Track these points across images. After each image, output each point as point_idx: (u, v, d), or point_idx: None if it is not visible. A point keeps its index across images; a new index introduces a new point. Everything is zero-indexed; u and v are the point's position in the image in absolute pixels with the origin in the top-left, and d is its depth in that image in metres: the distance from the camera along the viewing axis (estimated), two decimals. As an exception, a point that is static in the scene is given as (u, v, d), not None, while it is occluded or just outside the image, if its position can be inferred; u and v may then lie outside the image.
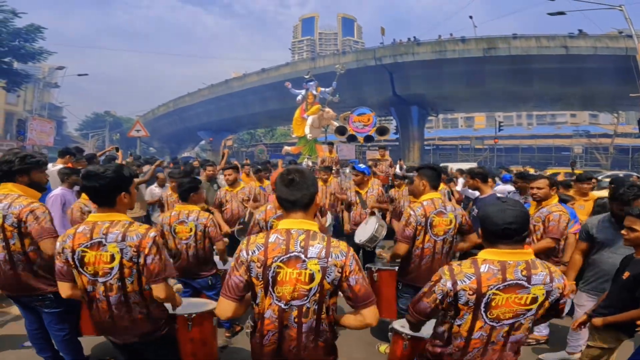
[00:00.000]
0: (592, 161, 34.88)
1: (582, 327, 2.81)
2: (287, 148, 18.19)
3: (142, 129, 12.22)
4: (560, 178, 7.88)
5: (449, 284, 1.65)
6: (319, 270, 1.61)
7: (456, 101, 34.40)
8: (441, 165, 23.51)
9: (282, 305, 1.63)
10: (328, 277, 1.61)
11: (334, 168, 8.66)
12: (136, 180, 5.69)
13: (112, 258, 1.92)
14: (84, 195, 3.81)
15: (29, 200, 2.50)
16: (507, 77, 27.48)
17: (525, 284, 1.61)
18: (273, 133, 59.00)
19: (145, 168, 8.21)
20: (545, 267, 1.67)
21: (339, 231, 5.71)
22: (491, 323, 1.64)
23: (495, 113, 44.86)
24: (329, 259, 1.62)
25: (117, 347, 2.18)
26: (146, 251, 1.91)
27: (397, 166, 10.78)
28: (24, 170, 2.59)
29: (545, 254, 3.38)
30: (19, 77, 24.73)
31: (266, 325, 1.65)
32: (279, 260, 1.62)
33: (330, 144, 11.89)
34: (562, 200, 4.06)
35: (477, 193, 6.06)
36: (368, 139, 15.06)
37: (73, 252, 1.92)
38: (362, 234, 4.40)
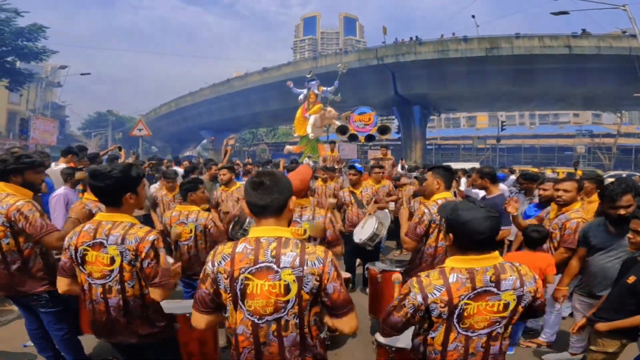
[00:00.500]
0: (595, 161, 34.77)
1: (582, 330, 2.80)
2: (289, 147, 18.19)
3: (145, 128, 12.22)
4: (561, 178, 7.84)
5: (419, 298, 1.56)
6: (294, 281, 1.48)
7: (459, 101, 34.34)
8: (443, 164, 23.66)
9: (256, 320, 1.50)
10: (305, 287, 1.49)
11: (336, 167, 8.64)
12: None
13: (112, 260, 1.91)
14: (86, 194, 3.81)
15: (16, 198, 2.49)
16: (509, 76, 27.42)
17: (495, 289, 1.54)
18: (275, 132, 59.08)
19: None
20: (515, 270, 1.59)
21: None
22: (465, 333, 1.57)
23: (498, 112, 44.72)
24: (305, 268, 1.49)
25: (116, 347, 2.17)
26: (143, 255, 1.90)
27: (399, 166, 10.75)
28: (18, 170, 2.59)
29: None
30: (22, 77, 24.74)
31: (241, 342, 1.53)
32: (247, 271, 1.49)
33: (332, 142, 11.88)
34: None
35: (480, 193, 6.07)
36: (369, 138, 15.04)
37: (76, 249, 1.94)
38: (361, 233, 4.36)
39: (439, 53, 27.67)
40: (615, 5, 16.80)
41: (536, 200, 5.01)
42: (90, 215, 2.55)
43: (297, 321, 1.51)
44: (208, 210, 5.89)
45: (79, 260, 1.95)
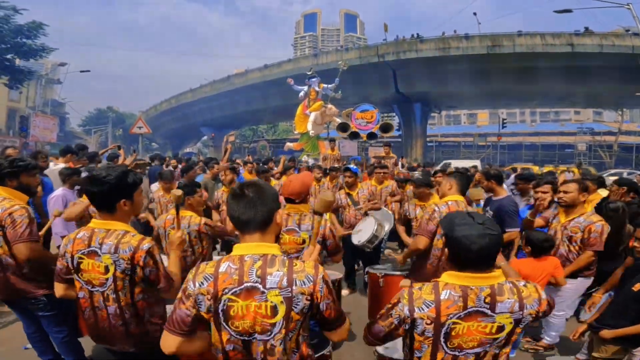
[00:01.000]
0: (595, 159, 34.72)
1: (582, 336, 2.77)
2: (289, 144, 18.14)
3: (144, 126, 12.18)
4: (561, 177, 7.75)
5: (406, 310, 1.47)
6: (282, 302, 1.39)
7: (460, 99, 34.26)
8: (443, 162, 23.44)
9: (246, 338, 1.42)
10: (296, 308, 1.40)
11: (337, 166, 8.55)
12: None
13: (107, 269, 1.88)
14: (84, 196, 3.78)
15: (12, 202, 2.46)
16: (511, 75, 27.33)
17: (489, 311, 1.42)
18: (275, 129, 59.01)
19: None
20: (515, 292, 1.45)
21: None
22: (452, 352, 1.46)
23: (499, 110, 44.65)
24: (293, 287, 1.39)
25: (114, 354, 2.14)
26: (141, 263, 1.87)
27: (400, 164, 10.70)
28: (13, 173, 2.58)
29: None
30: (21, 74, 24.73)
31: (232, 357, 1.45)
32: (231, 292, 1.39)
33: (332, 140, 11.75)
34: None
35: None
36: (371, 136, 14.86)
37: (72, 257, 1.91)
38: (360, 235, 4.29)
39: (440, 51, 27.59)
40: (619, 4, 16.70)
41: (532, 202, 4.95)
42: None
43: (283, 347, 1.43)
44: (208, 210, 5.85)
45: (75, 268, 1.93)
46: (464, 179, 3.13)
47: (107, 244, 1.88)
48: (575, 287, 3.27)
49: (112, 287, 1.89)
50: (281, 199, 3.33)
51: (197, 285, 1.43)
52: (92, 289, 1.92)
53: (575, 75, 25.97)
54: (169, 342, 1.46)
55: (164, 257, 3.49)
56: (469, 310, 1.42)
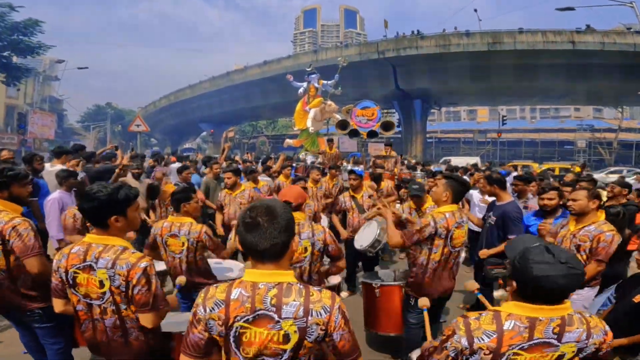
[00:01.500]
0: (595, 156, 34.70)
1: None
2: (288, 141, 17.94)
3: (142, 124, 12.06)
4: (565, 176, 7.65)
5: (464, 341, 1.41)
6: (295, 331, 1.35)
7: (460, 95, 34.20)
8: (443, 159, 23.30)
9: None
10: (309, 337, 1.37)
11: (338, 165, 8.43)
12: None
13: (102, 284, 1.88)
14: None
15: (10, 215, 2.40)
16: (512, 72, 27.29)
17: (555, 342, 1.37)
18: (275, 125, 58.91)
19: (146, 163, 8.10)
20: (584, 322, 1.40)
21: (335, 236, 5.49)
22: None
23: (499, 107, 44.58)
24: (309, 318, 1.35)
25: None
26: (134, 281, 1.85)
27: (400, 163, 10.63)
28: (3, 184, 2.49)
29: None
30: (18, 72, 24.77)
31: None
32: (243, 319, 1.36)
33: (330, 140, 11.53)
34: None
35: (479, 195, 5.90)
36: (371, 134, 14.55)
37: (66, 272, 1.90)
38: (363, 239, 4.26)
39: (440, 47, 27.49)
40: (622, 2, 16.59)
41: (531, 204, 4.81)
42: None
43: None
44: (205, 215, 5.77)
45: (70, 282, 1.92)
46: (461, 189, 3.00)
47: (104, 258, 1.87)
48: (583, 297, 3.20)
49: (111, 300, 1.89)
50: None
51: (207, 310, 1.39)
52: (91, 302, 1.92)
53: (576, 73, 25.92)
54: None
55: (161, 264, 3.47)
56: (535, 341, 1.37)
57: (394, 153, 11.17)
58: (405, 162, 11.53)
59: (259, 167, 8.60)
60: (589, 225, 3.16)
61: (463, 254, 4.67)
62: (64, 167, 5.20)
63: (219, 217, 4.96)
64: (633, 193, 5.64)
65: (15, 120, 29.73)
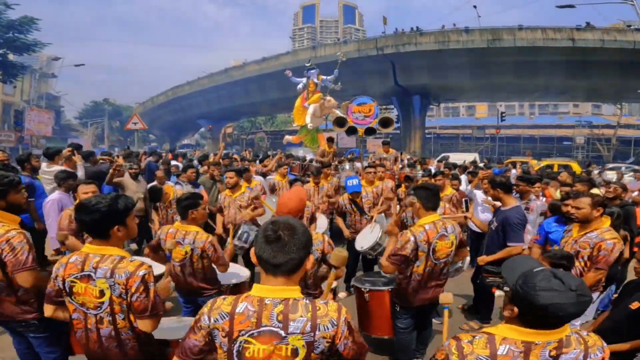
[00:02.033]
0: (594, 152, 34.72)
1: None
2: (288, 137, 17.76)
3: (140, 122, 11.99)
4: (569, 174, 7.52)
5: None
6: (303, 346, 1.36)
7: (459, 91, 34.14)
8: (442, 155, 23.28)
9: None
10: (316, 350, 1.38)
11: (332, 163, 8.31)
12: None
13: (102, 293, 1.90)
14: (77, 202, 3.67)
15: (5, 227, 2.33)
16: (512, 68, 27.21)
17: None
18: (273, 120, 58.82)
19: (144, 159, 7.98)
20: (582, 342, 1.37)
21: (337, 236, 5.47)
22: None
23: (497, 103, 44.53)
24: (316, 333, 1.36)
25: None
26: (133, 289, 1.88)
27: (400, 160, 10.54)
28: (1, 193, 2.43)
29: None
30: (15, 69, 24.78)
31: None
32: (247, 334, 1.36)
33: (331, 139, 11.39)
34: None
35: (482, 195, 5.84)
36: (369, 131, 14.31)
37: (64, 281, 1.92)
38: (364, 241, 4.27)
39: (439, 44, 27.41)
40: (623, -1, 16.52)
41: (532, 205, 4.75)
42: None
43: None
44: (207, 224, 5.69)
45: (67, 291, 1.94)
46: (428, 194, 2.89)
47: (102, 268, 1.89)
48: None
49: (108, 310, 1.91)
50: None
51: (212, 320, 1.41)
52: (87, 311, 1.94)
53: (576, 70, 25.87)
54: None
55: (160, 267, 3.43)
56: None
57: (392, 151, 11.07)
58: (406, 160, 11.42)
59: (257, 165, 8.55)
60: (591, 231, 3.11)
61: (468, 259, 4.62)
62: (63, 168, 5.15)
63: (219, 219, 4.92)
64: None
65: (12, 118, 29.68)
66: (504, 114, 33.41)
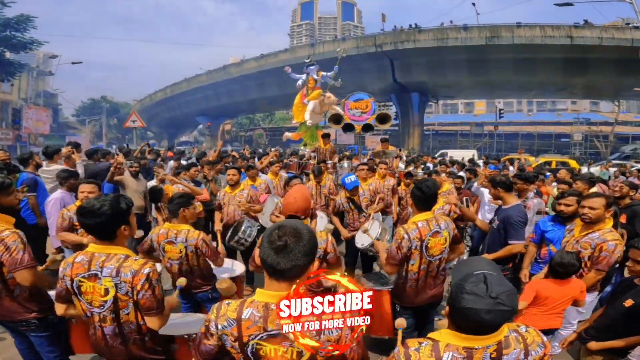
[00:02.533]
0: (592, 149, 34.81)
1: (571, 345, 2.76)
2: (287, 134, 17.70)
3: (138, 120, 11.94)
4: (563, 170, 7.54)
5: None
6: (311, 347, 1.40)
7: (458, 89, 34.14)
8: (440, 152, 23.08)
9: None
10: (321, 353, 1.41)
11: (328, 161, 8.26)
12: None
13: (107, 292, 1.94)
14: (78, 202, 3.69)
15: (0, 227, 2.34)
16: (510, 66, 27.21)
17: None
18: (272, 117, 58.69)
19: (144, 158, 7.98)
20: (520, 341, 1.37)
21: (336, 236, 5.46)
22: None
23: (496, 100, 44.57)
24: (321, 337, 1.39)
25: None
26: (138, 287, 1.92)
27: (399, 158, 10.48)
28: None
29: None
30: (12, 67, 24.75)
31: None
32: (257, 338, 1.40)
33: (326, 135, 11.13)
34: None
35: (489, 195, 5.82)
36: (367, 127, 14.02)
37: (72, 280, 1.96)
38: (363, 238, 4.30)
39: (438, 41, 27.40)
40: (622, -3, 16.52)
41: (529, 203, 4.71)
42: None
43: None
44: (210, 211, 5.71)
45: (76, 291, 1.98)
46: (418, 192, 2.87)
47: (108, 267, 1.93)
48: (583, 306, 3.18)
49: (111, 308, 1.95)
50: (281, 217, 3.25)
51: (219, 327, 1.45)
52: (92, 309, 1.99)
53: (574, 67, 25.87)
54: None
55: (158, 265, 3.46)
56: None
57: (391, 148, 11.02)
58: (406, 158, 11.36)
59: (257, 163, 8.53)
60: (593, 232, 3.09)
61: (465, 256, 4.64)
62: (62, 167, 5.16)
63: (217, 216, 4.94)
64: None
65: (9, 116, 29.57)
66: (502, 111, 33.48)
